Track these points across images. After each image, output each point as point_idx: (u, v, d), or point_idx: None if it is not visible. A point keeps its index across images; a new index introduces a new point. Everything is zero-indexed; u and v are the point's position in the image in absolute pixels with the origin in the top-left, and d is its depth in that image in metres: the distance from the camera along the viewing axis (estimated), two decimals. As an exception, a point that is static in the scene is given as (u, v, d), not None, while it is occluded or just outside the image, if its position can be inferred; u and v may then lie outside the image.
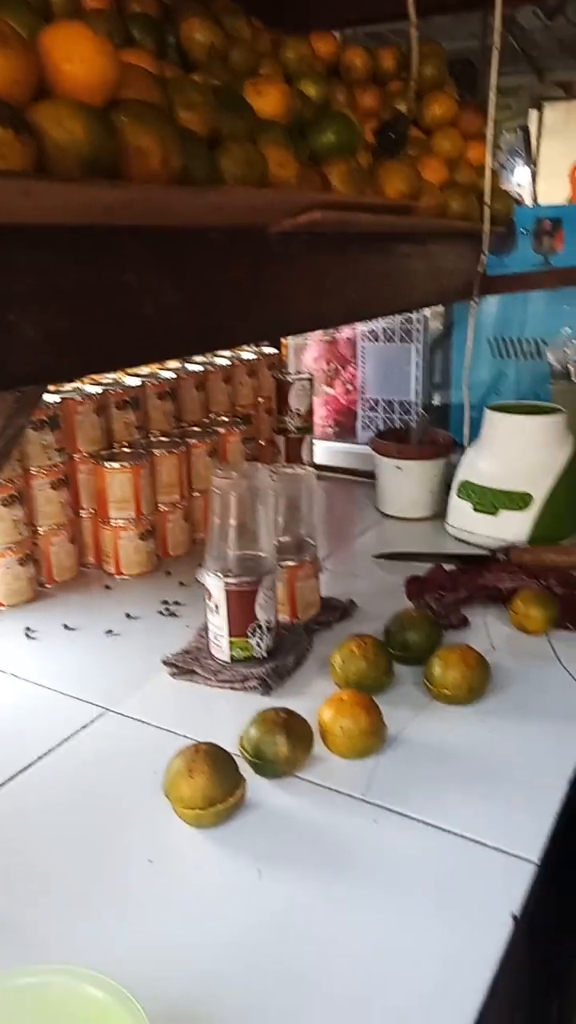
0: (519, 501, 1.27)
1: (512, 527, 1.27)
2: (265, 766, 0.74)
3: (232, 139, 0.72)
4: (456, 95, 1.38)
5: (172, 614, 1.11)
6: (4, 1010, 0.45)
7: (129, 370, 1.40)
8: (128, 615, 1.11)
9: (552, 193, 2.18)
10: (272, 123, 0.82)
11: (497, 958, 0.57)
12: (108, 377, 1.37)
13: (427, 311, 1.70)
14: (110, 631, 1.06)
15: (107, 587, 1.20)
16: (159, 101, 0.64)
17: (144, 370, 1.42)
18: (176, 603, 1.13)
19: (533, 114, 2.91)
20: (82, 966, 0.47)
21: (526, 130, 2.36)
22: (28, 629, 1.07)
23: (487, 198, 1.31)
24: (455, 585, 1.12)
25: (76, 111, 0.52)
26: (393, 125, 1.10)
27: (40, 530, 1.17)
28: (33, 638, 1.05)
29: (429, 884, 0.64)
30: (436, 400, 1.76)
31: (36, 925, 0.60)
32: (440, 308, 1.70)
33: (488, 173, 1.32)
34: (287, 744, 0.74)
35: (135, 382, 1.32)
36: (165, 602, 1.14)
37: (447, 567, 1.18)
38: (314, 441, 1.71)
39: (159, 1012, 0.44)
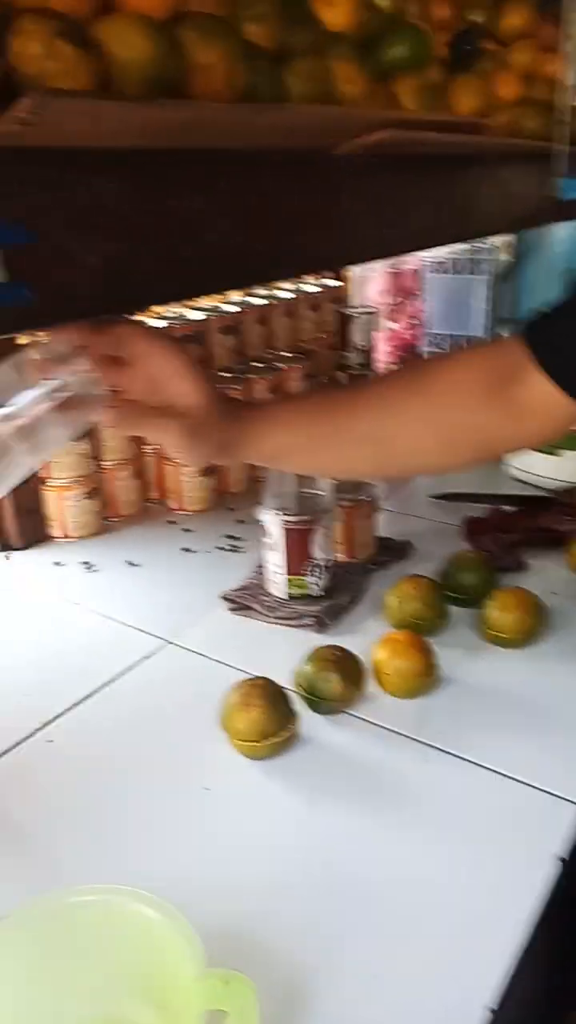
0: (583, 442, 1.23)
1: (573, 468, 1.23)
2: (318, 702, 0.75)
3: (299, 54, 0.69)
4: (536, 4, 1.28)
5: (232, 549, 1.11)
6: (64, 925, 0.47)
7: (192, 304, 1.38)
8: (189, 550, 1.12)
9: None
10: (341, 36, 0.78)
11: (542, 896, 0.57)
12: (172, 311, 1.35)
13: (496, 239, 1.62)
14: (172, 565, 1.08)
15: (170, 522, 1.21)
16: (225, 14, 0.61)
17: (207, 304, 1.40)
18: (237, 538, 1.14)
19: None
20: (137, 887, 0.48)
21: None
22: (92, 563, 1.09)
23: (564, 116, 1.22)
24: (513, 527, 1.10)
25: (140, 26, 0.49)
26: (466, 37, 1.03)
27: (106, 465, 1.18)
28: (98, 571, 1.07)
29: (476, 823, 0.64)
30: (503, 335, 1.70)
31: (96, 845, 0.63)
32: (510, 237, 1.62)
33: (566, 90, 1.23)
34: (340, 681, 0.74)
35: (198, 316, 1.30)
36: (228, 537, 1.14)
37: (506, 508, 1.16)
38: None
39: (209, 934, 0.45)
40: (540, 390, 0.60)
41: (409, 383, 0.66)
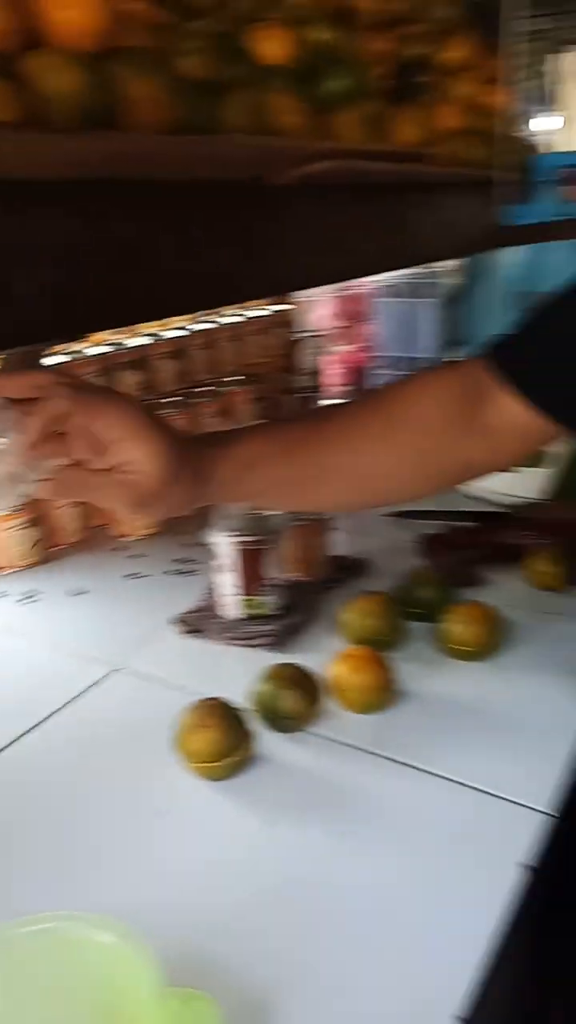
0: (536, 458, 1.26)
1: (528, 484, 1.26)
2: (275, 720, 0.75)
3: (235, 86, 0.71)
4: (474, 38, 1.33)
5: (183, 573, 1.11)
6: (15, 956, 0.46)
7: (134, 330, 1.39)
8: (138, 575, 1.12)
9: (574, 140, 2.11)
10: (277, 69, 0.80)
11: (506, 905, 0.58)
12: (113, 338, 1.36)
13: (443, 265, 1.66)
14: (119, 592, 1.07)
15: (116, 549, 1.21)
16: (157, 48, 0.63)
17: (150, 329, 1.41)
18: (187, 561, 1.14)
19: (555, 59, 2.80)
20: (96, 913, 0.48)
21: (547, 75, 2.28)
22: (35, 592, 1.08)
23: (504, 145, 1.27)
24: (470, 543, 1.12)
25: (69, 60, 0.50)
26: (405, 70, 1.07)
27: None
28: (42, 600, 1.06)
29: (439, 835, 0.64)
30: (452, 358, 1.74)
31: (49, 878, 0.62)
32: (457, 262, 1.67)
33: (505, 119, 1.28)
34: (298, 699, 0.74)
35: (139, 342, 1.31)
36: (177, 560, 1.14)
37: (462, 525, 1.17)
38: (326, 400, 1.69)
39: (169, 958, 0.45)
40: (511, 411, 0.60)
41: (378, 414, 0.65)
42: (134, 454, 0.54)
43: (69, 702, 0.84)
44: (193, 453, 0.58)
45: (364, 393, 0.69)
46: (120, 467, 0.54)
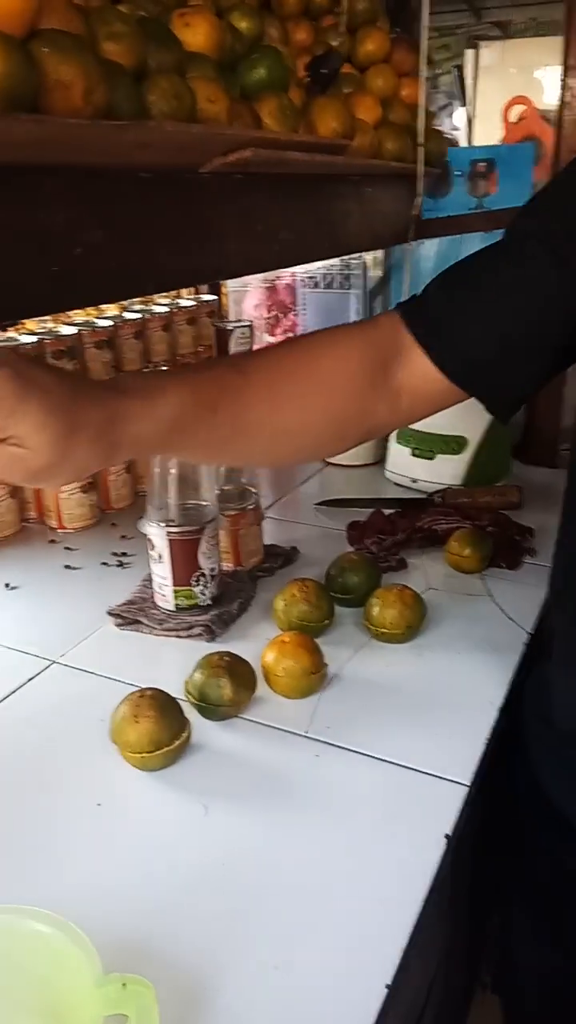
0: (455, 444, 1.30)
1: (448, 470, 1.30)
2: (209, 708, 0.76)
3: (159, 73, 0.70)
4: (391, 32, 1.35)
5: (119, 565, 1.11)
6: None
7: (65, 319, 1.36)
8: (72, 568, 1.10)
9: (487, 135, 2.17)
10: (202, 57, 0.80)
11: (432, 875, 0.60)
12: (43, 326, 1.33)
13: (366, 256, 1.69)
14: (54, 585, 1.06)
15: (51, 541, 1.19)
16: (81, 32, 0.62)
17: (80, 318, 1.38)
18: (122, 554, 1.13)
19: (469, 55, 2.87)
20: (31, 904, 0.48)
21: (461, 70, 2.34)
22: (-32, 584, 1.05)
23: (421, 138, 1.30)
24: (393, 528, 1.15)
25: (-9, 41, 0.49)
26: (325, 61, 1.08)
27: (-24, 484, 1.15)
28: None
29: (368, 811, 0.67)
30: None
31: (-14, 869, 0.61)
32: (379, 253, 1.69)
33: (422, 112, 1.31)
34: (231, 686, 0.75)
35: (71, 331, 1.29)
36: (114, 553, 1.13)
37: (386, 511, 1.20)
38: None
39: (108, 946, 0.45)
40: (420, 369, 0.62)
41: (294, 373, 0.64)
42: (18, 428, 0.48)
43: (6, 696, 0.82)
44: (96, 409, 0.51)
45: (280, 344, 0.67)
46: (7, 440, 0.49)
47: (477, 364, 0.62)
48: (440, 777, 0.70)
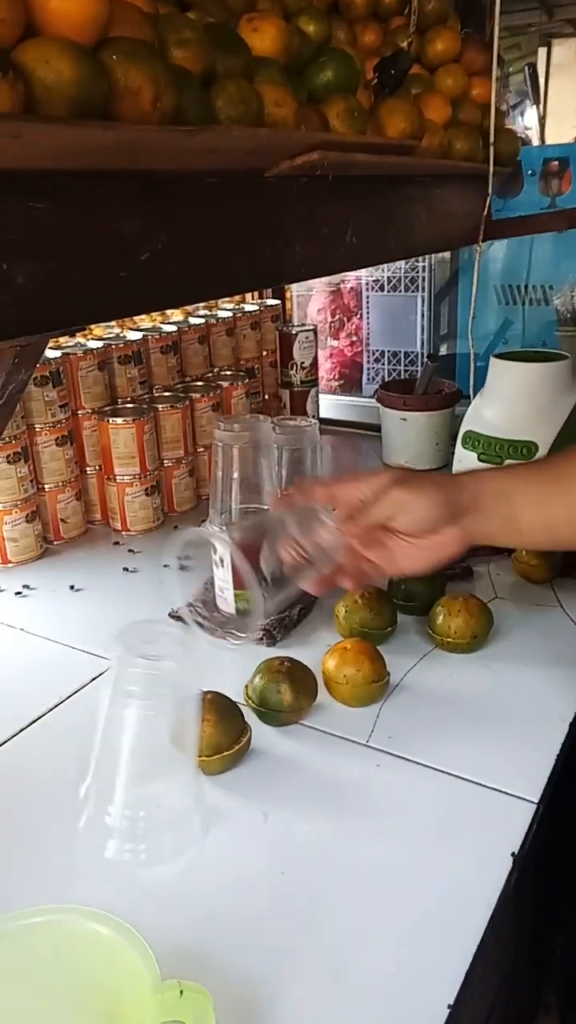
0: (524, 450, 1.26)
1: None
2: (269, 714, 0.75)
3: (227, 77, 0.70)
4: (460, 31, 1.33)
5: (181, 568, 1.11)
6: (13, 948, 0.46)
7: (131, 324, 1.38)
8: (136, 570, 1.12)
9: (560, 133, 2.11)
10: (269, 61, 0.80)
11: (496, 894, 0.58)
12: (110, 332, 1.36)
13: (432, 258, 1.67)
14: (117, 587, 1.07)
15: (115, 543, 1.21)
16: (151, 39, 0.62)
17: (146, 324, 1.40)
18: (185, 557, 1.14)
19: (542, 53, 2.80)
20: (92, 906, 0.48)
21: (534, 68, 2.28)
22: (34, 587, 1.08)
23: (492, 137, 1.27)
24: (460, 535, 1.12)
25: (64, 50, 0.50)
26: (393, 62, 1.07)
27: (46, 487, 1.17)
28: (40, 595, 1.06)
29: (431, 825, 0.65)
30: (442, 350, 1.74)
31: (47, 871, 0.62)
32: (446, 255, 1.67)
33: (493, 111, 1.28)
34: (291, 692, 0.75)
35: (137, 336, 1.31)
36: (176, 556, 1.14)
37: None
38: (320, 394, 1.69)
39: (165, 952, 0.45)
40: None
41: None
42: (406, 524, 0.65)
43: (71, 695, 0.83)
44: (454, 494, 0.66)
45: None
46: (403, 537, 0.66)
47: None
48: (507, 793, 0.68)
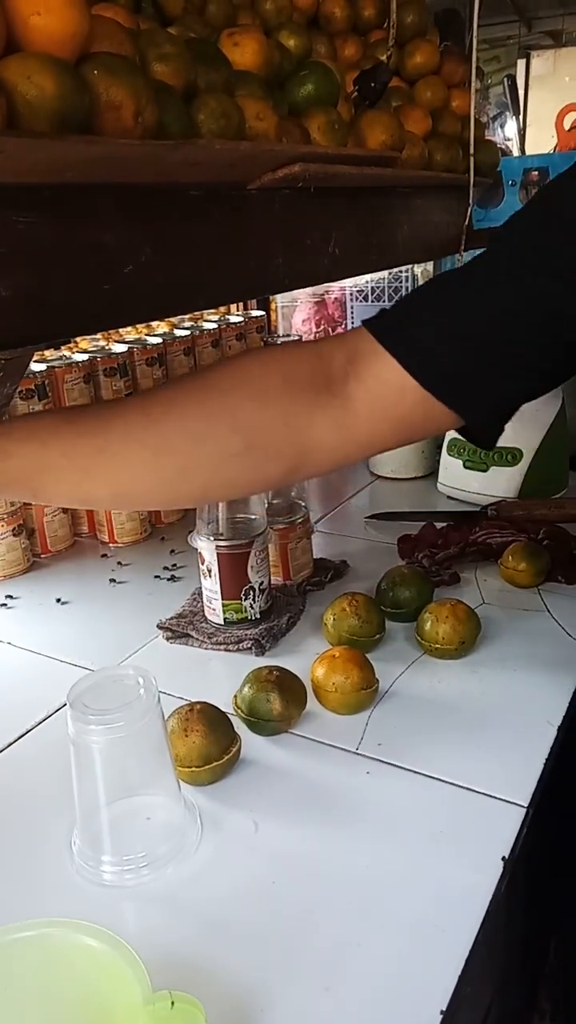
0: (509, 456, 1.27)
1: (502, 483, 1.28)
2: (259, 723, 0.75)
3: (208, 92, 0.71)
4: (440, 44, 1.35)
5: (169, 579, 1.11)
6: (4, 961, 0.46)
7: (116, 336, 1.39)
8: (124, 582, 1.11)
9: (540, 143, 2.14)
10: (250, 75, 0.81)
11: (488, 898, 0.58)
12: (96, 344, 1.36)
13: (416, 268, 1.68)
14: (105, 599, 1.07)
15: (103, 556, 1.21)
16: (132, 54, 0.63)
17: (132, 336, 1.41)
18: (173, 567, 1.14)
19: (521, 65, 2.84)
20: (82, 919, 0.48)
21: (513, 80, 2.31)
22: (20, 599, 1.07)
23: (472, 148, 1.29)
24: (446, 542, 1.13)
25: (46, 65, 0.50)
26: (373, 74, 1.08)
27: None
28: (27, 607, 1.06)
29: (422, 831, 0.65)
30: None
31: (39, 882, 0.62)
32: (428, 265, 1.68)
33: (472, 123, 1.30)
34: (280, 701, 0.75)
35: (122, 348, 1.31)
36: (164, 567, 1.14)
37: (438, 525, 1.19)
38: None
39: (157, 963, 0.45)
40: (384, 375, 0.54)
41: (201, 379, 0.55)
42: None
43: (58, 709, 0.83)
44: None
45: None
46: None
47: (451, 375, 0.55)
48: (497, 798, 0.68)
